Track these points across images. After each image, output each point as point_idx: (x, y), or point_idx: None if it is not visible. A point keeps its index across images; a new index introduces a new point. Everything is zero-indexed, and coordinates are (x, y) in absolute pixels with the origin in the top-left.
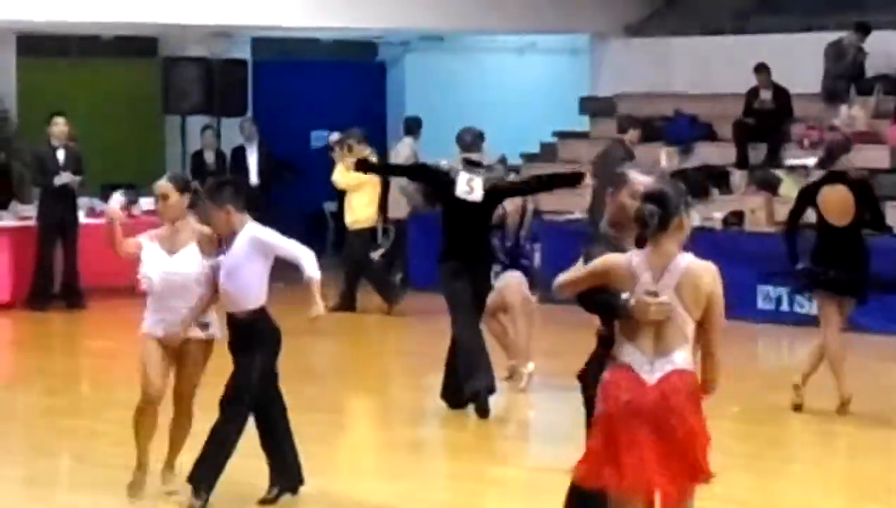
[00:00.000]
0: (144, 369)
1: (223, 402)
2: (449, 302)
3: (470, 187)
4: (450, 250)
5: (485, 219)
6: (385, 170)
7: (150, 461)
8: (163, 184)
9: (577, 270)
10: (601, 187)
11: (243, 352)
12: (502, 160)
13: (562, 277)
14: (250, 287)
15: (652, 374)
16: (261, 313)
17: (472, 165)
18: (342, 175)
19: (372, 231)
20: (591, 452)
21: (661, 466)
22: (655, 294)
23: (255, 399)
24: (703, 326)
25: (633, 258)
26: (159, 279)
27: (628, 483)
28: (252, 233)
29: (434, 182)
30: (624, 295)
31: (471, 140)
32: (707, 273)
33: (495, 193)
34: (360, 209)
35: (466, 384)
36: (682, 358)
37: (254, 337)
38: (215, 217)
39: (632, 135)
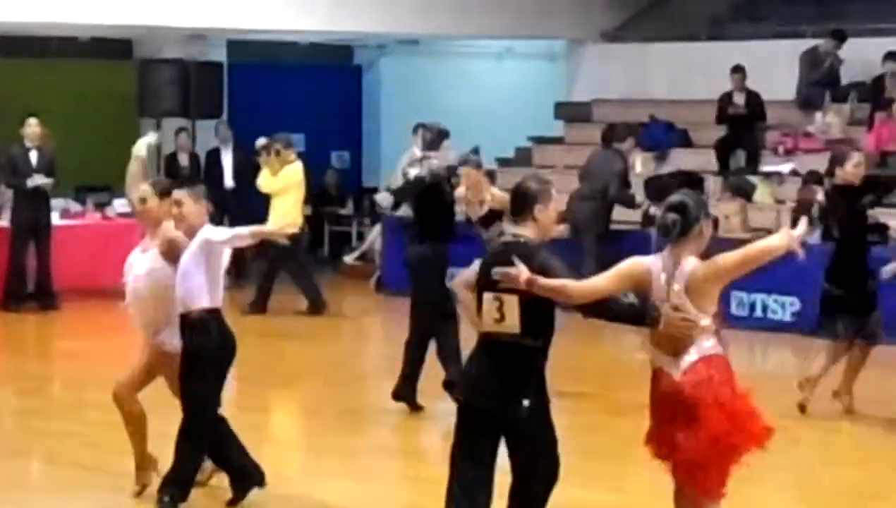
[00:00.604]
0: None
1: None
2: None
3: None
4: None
5: (426, 208)
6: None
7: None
8: (142, 189)
9: (599, 278)
10: (591, 193)
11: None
12: (475, 151)
13: (581, 284)
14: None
15: (678, 370)
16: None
17: (426, 160)
18: (267, 179)
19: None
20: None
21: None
22: (678, 309)
23: None
24: (735, 272)
25: (650, 262)
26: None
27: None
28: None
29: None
30: (654, 305)
31: (431, 138)
32: (698, 266)
33: (420, 188)
34: (285, 213)
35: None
36: (702, 347)
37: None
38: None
39: (629, 143)
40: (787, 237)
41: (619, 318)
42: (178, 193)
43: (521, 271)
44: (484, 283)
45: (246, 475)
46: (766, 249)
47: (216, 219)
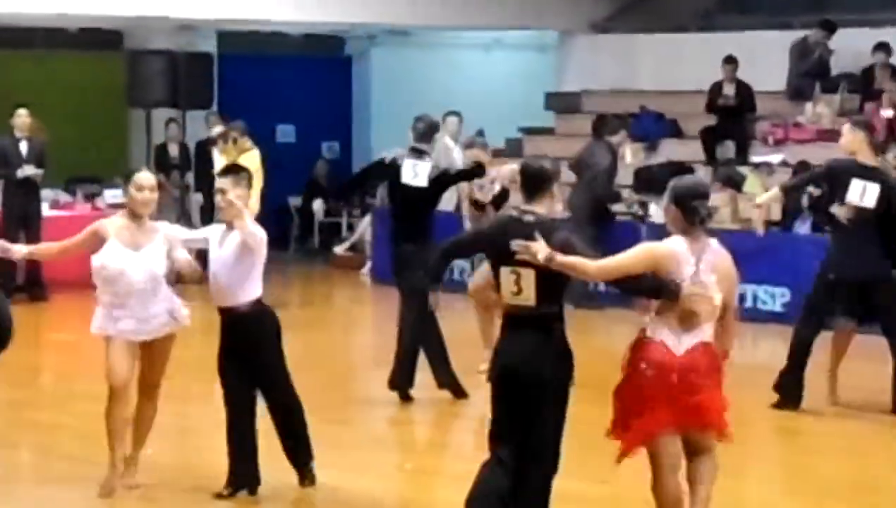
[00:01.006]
0: (109, 361)
1: None
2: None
3: (415, 172)
4: (398, 236)
5: (430, 206)
6: (350, 188)
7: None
8: (148, 176)
9: (622, 258)
10: (584, 184)
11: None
12: (480, 133)
13: (603, 263)
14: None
15: (680, 346)
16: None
17: (417, 153)
18: None
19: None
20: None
21: (672, 422)
22: (704, 285)
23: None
24: (723, 304)
25: (676, 246)
26: (125, 274)
27: (640, 438)
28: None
29: (382, 176)
30: (675, 280)
31: (423, 129)
32: (728, 259)
33: (440, 181)
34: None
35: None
36: (708, 333)
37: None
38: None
39: (621, 136)
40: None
41: (643, 291)
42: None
43: (542, 246)
44: (501, 257)
45: (242, 477)
46: (734, 334)
47: (207, 210)
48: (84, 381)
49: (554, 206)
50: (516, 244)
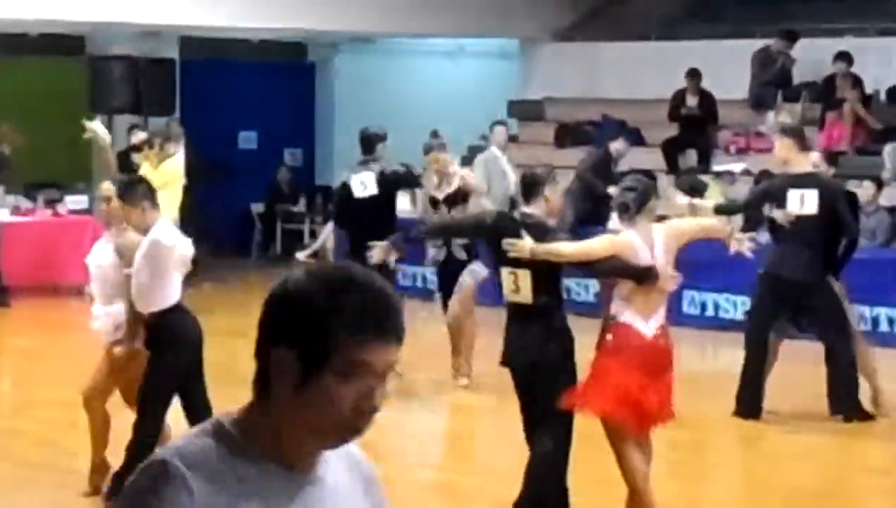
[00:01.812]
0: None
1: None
2: None
3: (364, 184)
4: (353, 250)
5: (386, 212)
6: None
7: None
8: (106, 187)
9: (590, 242)
10: (581, 189)
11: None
12: (435, 134)
13: (569, 247)
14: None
15: (648, 330)
16: (168, 313)
17: (365, 164)
18: (149, 174)
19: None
20: (592, 388)
21: (661, 405)
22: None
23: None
24: (692, 234)
25: (630, 237)
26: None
27: (647, 421)
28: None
29: (341, 200)
30: (651, 265)
31: (363, 142)
32: (661, 228)
33: (387, 182)
34: (166, 207)
35: None
36: (663, 315)
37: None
38: (131, 215)
39: (618, 143)
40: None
41: (626, 274)
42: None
43: (527, 243)
44: (501, 257)
45: None
46: (717, 227)
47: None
48: (44, 388)
49: (554, 207)
50: (506, 243)
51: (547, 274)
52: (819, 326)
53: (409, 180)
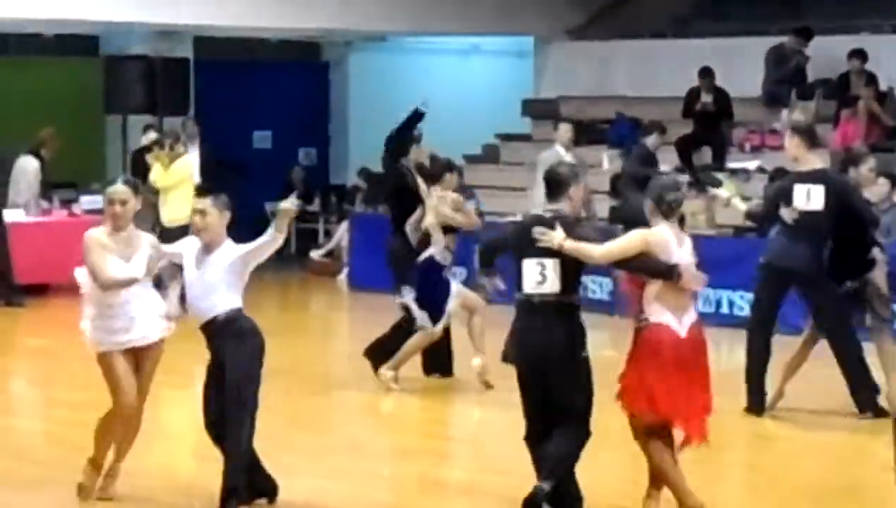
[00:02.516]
0: (118, 381)
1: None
2: None
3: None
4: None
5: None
6: None
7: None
8: (122, 190)
9: (621, 241)
10: (633, 183)
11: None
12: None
13: (606, 248)
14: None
15: (681, 327)
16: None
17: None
18: (160, 174)
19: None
20: (632, 389)
21: (687, 402)
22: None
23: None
24: None
25: (665, 233)
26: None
27: (662, 412)
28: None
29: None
30: (676, 264)
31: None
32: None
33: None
34: (177, 207)
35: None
36: (695, 313)
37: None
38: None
39: (653, 138)
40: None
41: (651, 272)
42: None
43: (559, 234)
44: (525, 251)
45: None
46: None
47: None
48: (59, 387)
49: (576, 205)
50: (537, 231)
51: (574, 266)
52: (818, 322)
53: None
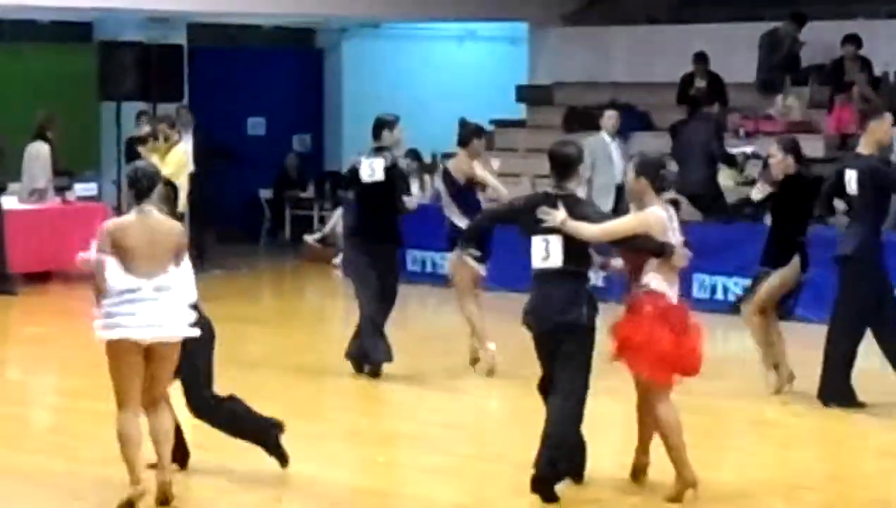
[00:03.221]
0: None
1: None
2: (353, 277)
3: (372, 170)
4: (356, 229)
5: (389, 198)
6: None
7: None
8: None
9: (619, 222)
10: (706, 156)
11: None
12: (412, 154)
13: (603, 226)
14: None
15: (673, 296)
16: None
17: (378, 151)
18: (159, 165)
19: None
20: (642, 350)
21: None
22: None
23: None
24: None
25: (662, 214)
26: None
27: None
28: None
29: (348, 180)
30: (668, 242)
31: (374, 130)
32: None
33: (391, 176)
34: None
35: (370, 354)
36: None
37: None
38: None
39: (716, 108)
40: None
41: (646, 250)
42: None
43: (561, 213)
44: (533, 228)
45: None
46: None
47: (175, 204)
48: (53, 375)
49: (580, 185)
50: (541, 211)
51: (578, 241)
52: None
53: (405, 183)
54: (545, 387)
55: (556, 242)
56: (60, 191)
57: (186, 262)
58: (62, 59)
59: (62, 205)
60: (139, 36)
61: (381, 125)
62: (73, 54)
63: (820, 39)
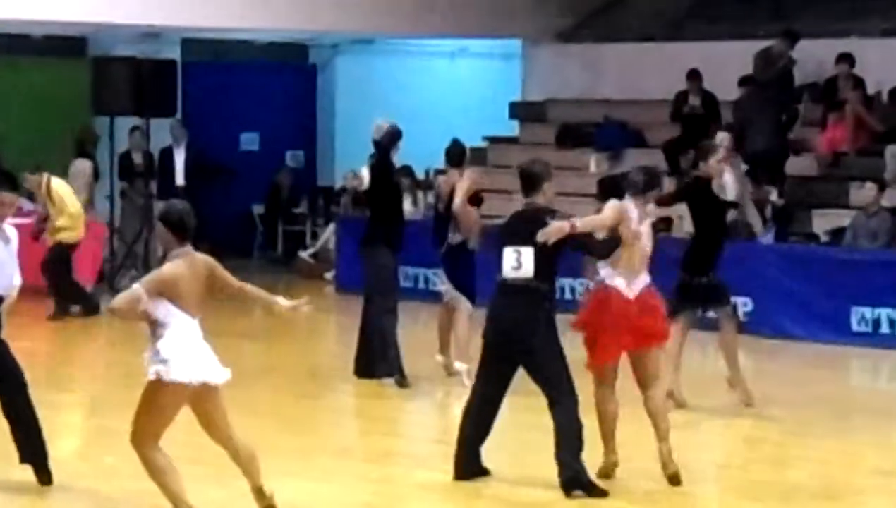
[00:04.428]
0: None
1: None
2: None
3: (360, 179)
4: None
5: (375, 202)
6: None
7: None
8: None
9: (598, 218)
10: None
11: None
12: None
13: (606, 215)
14: None
15: (631, 292)
16: None
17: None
18: (72, 199)
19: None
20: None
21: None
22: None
23: None
24: None
25: (629, 205)
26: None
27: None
28: None
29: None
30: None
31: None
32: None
33: (377, 176)
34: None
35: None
36: (647, 278)
37: None
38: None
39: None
40: None
41: (606, 251)
42: None
43: (561, 224)
44: (506, 239)
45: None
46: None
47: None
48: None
49: (550, 200)
50: (542, 234)
51: (547, 254)
52: None
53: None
54: (480, 397)
55: (527, 253)
56: None
57: None
58: (55, 74)
59: None
60: (133, 51)
61: (385, 134)
62: (66, 69)
63: (813, 58)
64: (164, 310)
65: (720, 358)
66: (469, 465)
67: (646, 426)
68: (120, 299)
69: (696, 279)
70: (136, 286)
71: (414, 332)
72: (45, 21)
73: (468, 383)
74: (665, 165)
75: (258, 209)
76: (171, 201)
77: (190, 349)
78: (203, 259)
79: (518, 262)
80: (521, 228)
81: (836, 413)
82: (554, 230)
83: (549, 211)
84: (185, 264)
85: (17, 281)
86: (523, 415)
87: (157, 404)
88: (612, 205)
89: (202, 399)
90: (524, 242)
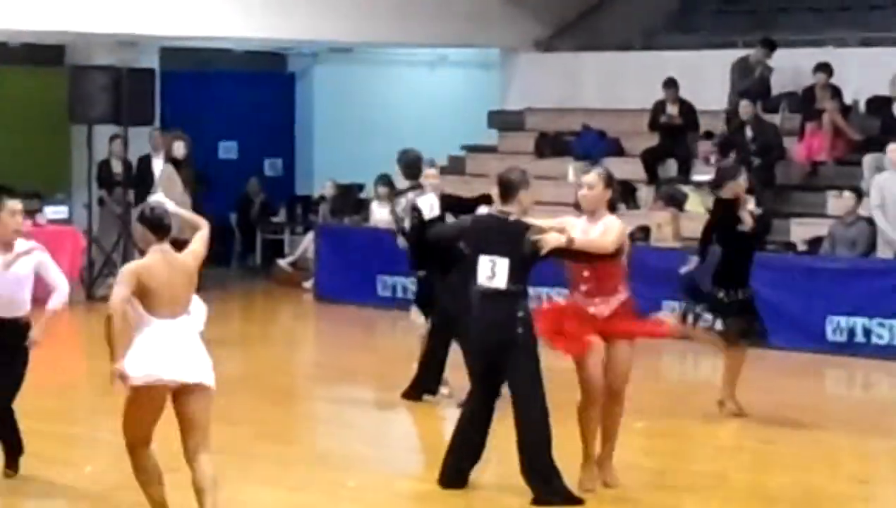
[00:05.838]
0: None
1: None
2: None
3: (432, 207)
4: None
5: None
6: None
7: None
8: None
9: (601, 243)
10: None
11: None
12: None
13: (612, 237)
14: None
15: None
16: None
17: (419, 188)
18: None
19: None
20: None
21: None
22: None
23: None
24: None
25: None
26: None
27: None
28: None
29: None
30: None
31: (414, 168)
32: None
33: (446, 205)
34: None
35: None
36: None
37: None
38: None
39: None
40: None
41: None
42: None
43: (556, 235)
44: (482, 247)
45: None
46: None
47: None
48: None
49: (525, 209)
50: (536, 241)
51: (521, 264)
52: None
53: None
54: (470, 404)
55: (502, 264)
56: (31, 214)
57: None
58: (33, 82)
59: (32, 228)
60: (111, 59)
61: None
62: (44, 77)
63: (791, 67)
64: (138, 314)
65: (699, 366)
66: (455, 476)
67: (623, 432)
68: (115, 301)
69: (730, 294)
70: (117, 289)
71: (392, 340)
72: (23, 30)
73: (445, 391)
74: (644, 174)
75: (236, 218)
76: (148, 201)
77: (159, 349)
78: (183, 259)
79: (493, 272)
80: (497, 239)
81: (814, 421)
82: (552, 242)
83: (524, 225)
84: (162, 259)
85: (64, 291)
86: (506, 425)
87: (131, 406)
88: (616, 227)
89: (181, 402)
90: (500, 254)
